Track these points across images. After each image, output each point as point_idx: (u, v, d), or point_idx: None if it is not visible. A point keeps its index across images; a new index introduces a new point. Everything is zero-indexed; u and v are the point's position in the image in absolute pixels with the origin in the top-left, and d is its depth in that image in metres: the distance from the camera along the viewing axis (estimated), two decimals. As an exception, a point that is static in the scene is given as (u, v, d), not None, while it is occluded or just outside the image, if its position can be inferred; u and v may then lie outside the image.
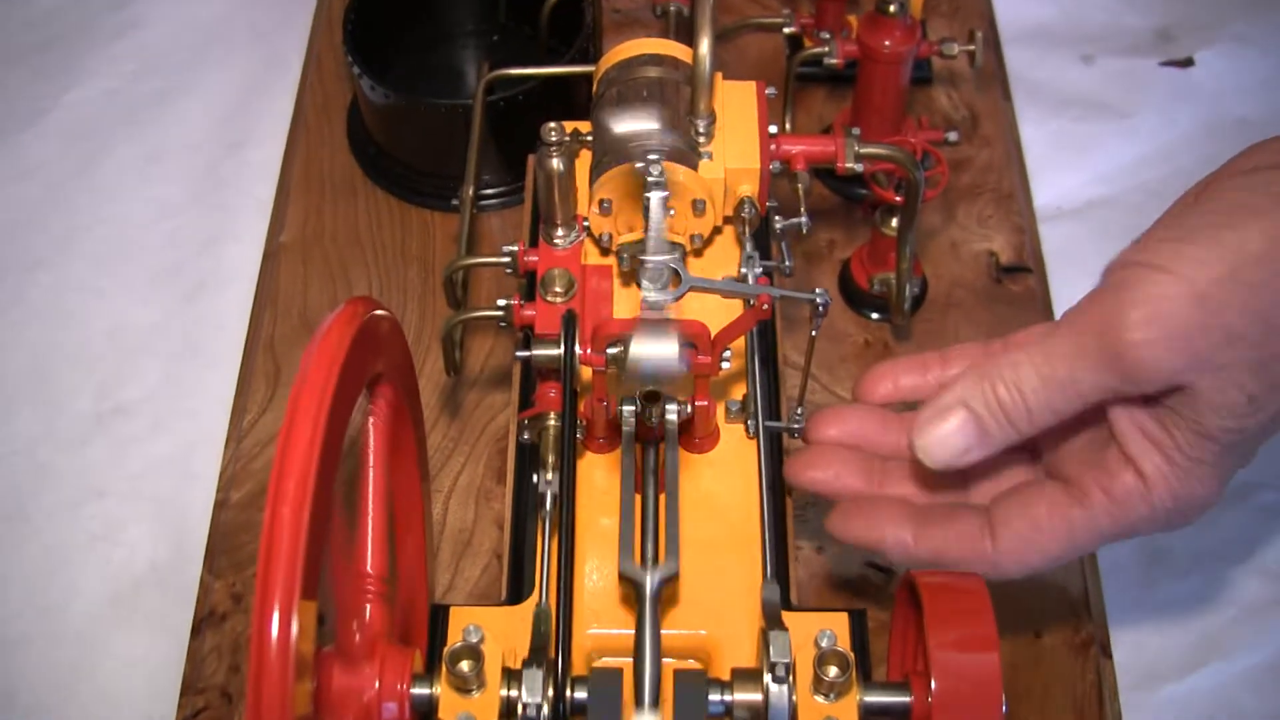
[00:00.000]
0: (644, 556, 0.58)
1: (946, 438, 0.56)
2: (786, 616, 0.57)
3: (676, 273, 0.58)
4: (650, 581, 0.56)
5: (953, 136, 0.84)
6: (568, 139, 0.65)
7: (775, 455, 0.66)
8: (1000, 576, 0.58)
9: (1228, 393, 0.52)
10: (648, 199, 0.55)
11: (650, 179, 0.55)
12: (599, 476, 0.65)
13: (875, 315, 0.87)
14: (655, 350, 0.54)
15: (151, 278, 0.95)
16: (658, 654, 0.55)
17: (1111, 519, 0.56)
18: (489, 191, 0.89)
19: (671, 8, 0.89)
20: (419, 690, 0.55)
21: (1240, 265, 0.50)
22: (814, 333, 0.61)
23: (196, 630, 0.77)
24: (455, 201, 0.77)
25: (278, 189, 0.95)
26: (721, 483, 0.65)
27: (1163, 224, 0.54)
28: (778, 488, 0.66)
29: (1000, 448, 0.57)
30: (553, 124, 0.63)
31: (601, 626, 0.61)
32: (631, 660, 0.56)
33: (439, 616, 0.61)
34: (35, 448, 0.88)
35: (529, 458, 0.67)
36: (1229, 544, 0.82)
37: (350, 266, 0.90)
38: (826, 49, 0.85)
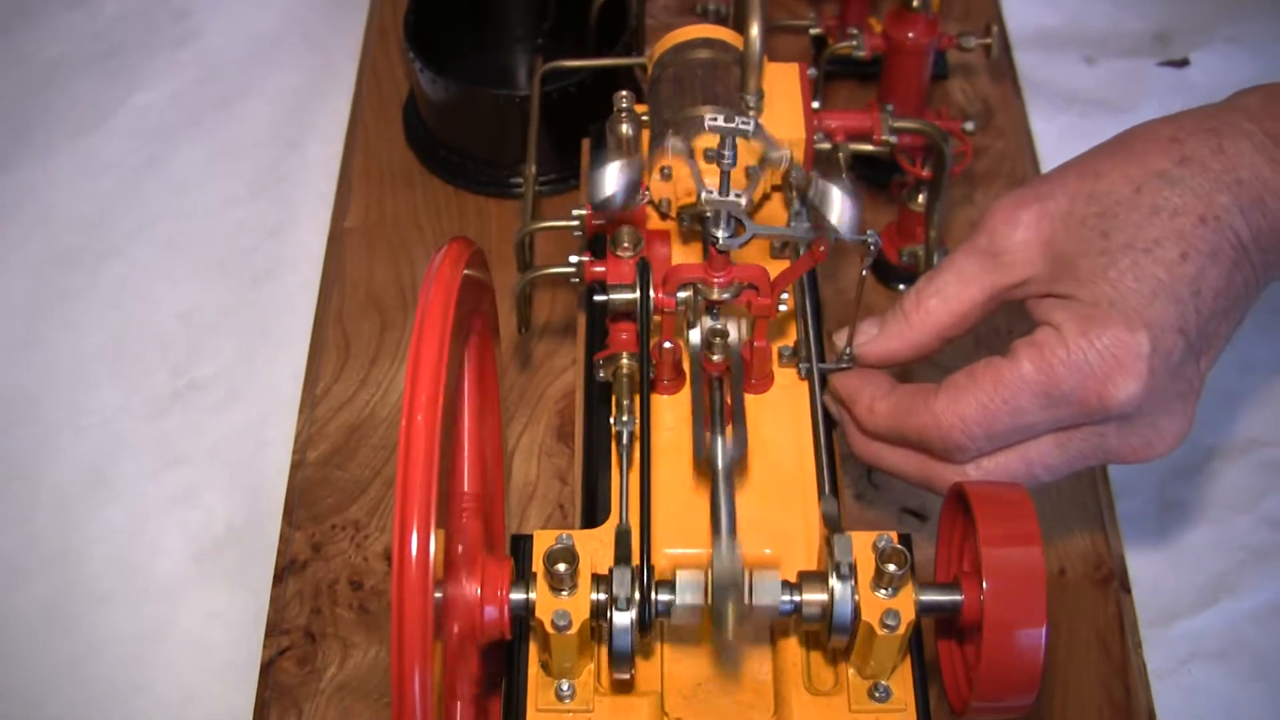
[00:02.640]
0: (714, 439, 0.64)
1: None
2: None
3: (741, 221, 0.65)
4: (723, 455, 0.62)
5: (970, 126, 0.91)
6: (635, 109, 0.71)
7: (825, 395, 0.73)
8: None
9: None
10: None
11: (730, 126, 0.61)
12: (667, 418, 0.71)
13: (902, 286, 0.93)
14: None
15: (220, 264, 1.01)
16: (731, 496, 0.60)
17: (1034, 363, 0.62)
18: (540, 179, 0.96)
19: (711, 6, 0.96)
20: (516, 595, 0.61)
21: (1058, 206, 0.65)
22: (864, 272, 0.67)
23: (279, 578, 0.83)
24: (517, 179, 0.84)
25: (339, 181, 1.01)
26: (777, 421, 0.71)
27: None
28: (829, 425, 0.72)
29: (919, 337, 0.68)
30: (624, 92, 0.69)
31: (676, 547, 0.67)
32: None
33: (521, 545, 0.66)
34: (114, 421, 0.94)
35: (599, 395, 0.73)
36: (1235, 495, 0.88)
37: (412, 249, 0.96)
38: (855, 43, 0.92)
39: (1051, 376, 0.62)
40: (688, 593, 0.58)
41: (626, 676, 0.61)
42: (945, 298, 0.68)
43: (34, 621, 0.85)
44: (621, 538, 0.62)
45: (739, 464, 0.64)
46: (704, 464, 0.65)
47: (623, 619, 0.59)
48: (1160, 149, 0.63)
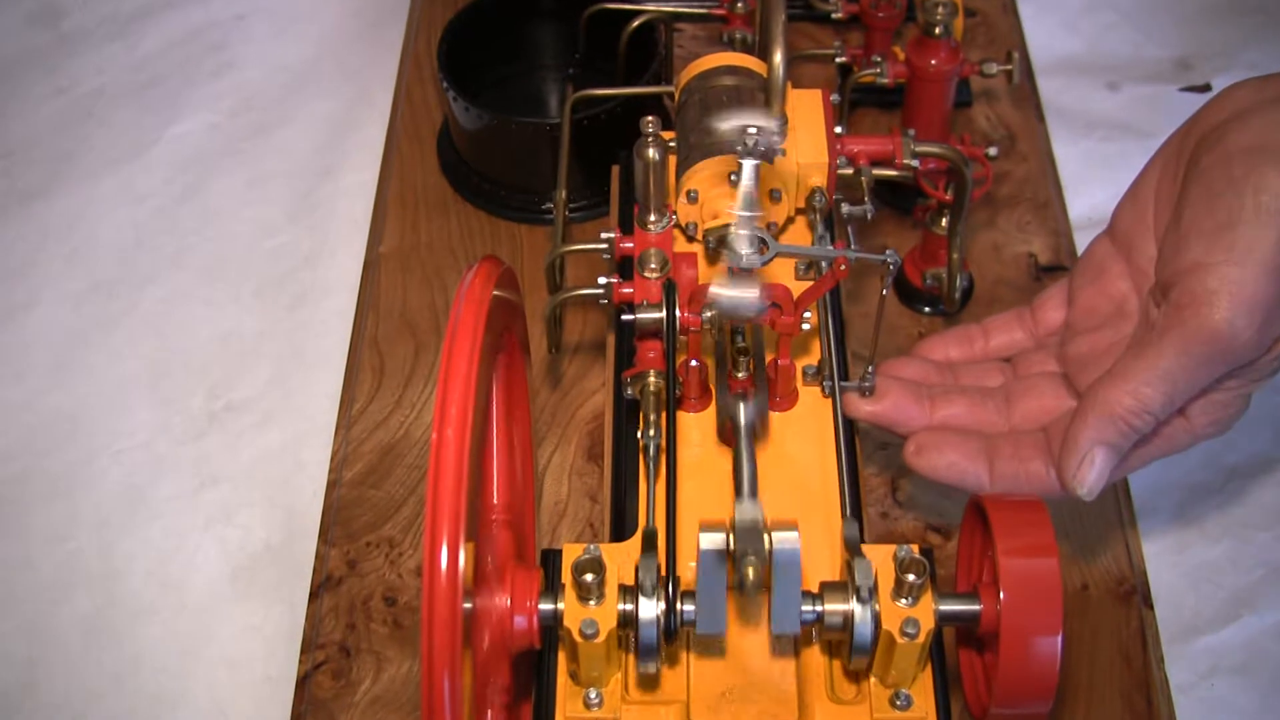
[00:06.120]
0: (736, 401, 0.66)
1: (1100, 476, 0.64)
2: (865, 549, 0.65)
3: (764, 241, 0.66)
4: (745, 411, 0.64)
5: (992, 152, 0.92)
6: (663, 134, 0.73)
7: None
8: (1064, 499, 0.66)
9: None
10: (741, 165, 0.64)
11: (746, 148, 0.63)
12: (694, 435, 0.73)
13: (927, 309, 0.95)
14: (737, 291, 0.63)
15: (257, 290, 1.04)
16: (753, 455, 0.63)
17: (1158, 449, 0.65)
18: (571, 204, 0.98)
19: (738, 36, 0.98)
20: (545, 605, 0.62)
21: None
22: (884, 292, 0.68)
23: (314, 594, 0.85)
24: (548, 206, 0.86)
25: (374, 207, 1.04)
26: (801, 437, 0.73)
27: (1190, 223, 0.62)
28: (853, 442, 0.73)
29: None
30: (650, 117, 0.71)
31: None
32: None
33: (550, 559, 0.68)
34: (153, 442, 0.96)
35: (627, 412, 0.75)
36: (1254, 513, 0.89)
37: (445, 273, 0.98)
38: (878, 70, 0.94)
39: (1169, 451, 0.67)
40: (711, 543, 0.58)
41: (653, 670, 0.62)
42: None
43: (76, 636, 0.87)
44: (649, 537, 0.64)
45: (760, 425, 0.67)
46: (728, 425, 0.68)
47: (649, 609, 0.60)
48: None
